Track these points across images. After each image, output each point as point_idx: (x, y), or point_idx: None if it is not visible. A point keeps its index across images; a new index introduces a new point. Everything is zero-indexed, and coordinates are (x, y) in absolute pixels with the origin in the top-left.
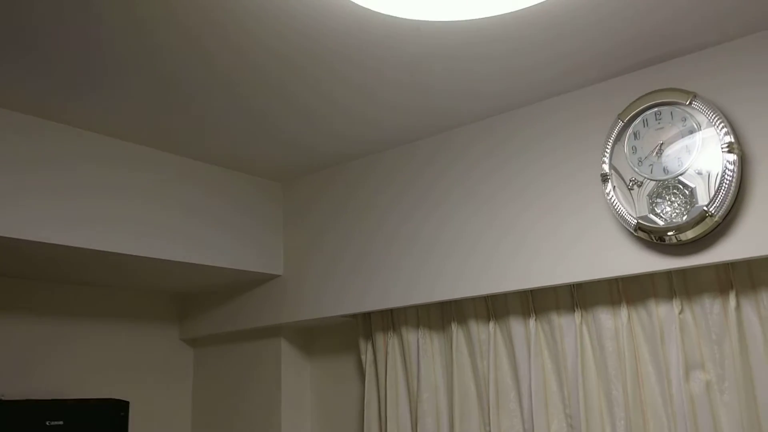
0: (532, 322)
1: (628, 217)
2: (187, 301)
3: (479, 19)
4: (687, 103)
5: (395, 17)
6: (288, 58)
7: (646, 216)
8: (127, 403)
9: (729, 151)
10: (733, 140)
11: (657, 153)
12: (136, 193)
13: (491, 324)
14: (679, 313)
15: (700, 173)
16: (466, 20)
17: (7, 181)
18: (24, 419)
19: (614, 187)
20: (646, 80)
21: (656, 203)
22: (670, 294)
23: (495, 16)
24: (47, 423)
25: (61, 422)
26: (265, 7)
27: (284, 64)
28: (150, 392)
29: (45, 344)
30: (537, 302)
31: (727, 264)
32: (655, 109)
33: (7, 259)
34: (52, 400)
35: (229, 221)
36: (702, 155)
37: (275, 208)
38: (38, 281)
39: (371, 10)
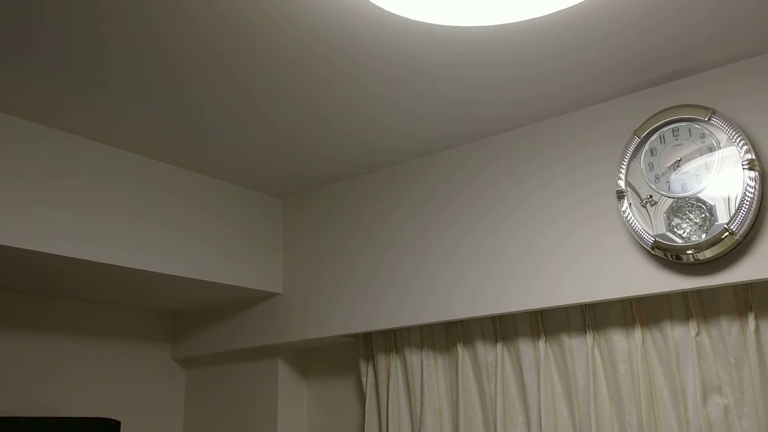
0: (541, 343)
1: (645, 235)
2: (180, 319)
3: (496, 26)
4: (706, 119)
5: (410, 20)
6: (296, 59)
7: (664, 234)
8: (119, 422)
9: (750, 168)
10: (753, 157)
11: (675, 169)
12: (130, 203)
13: (499, 346)
14: (696, 335)
15: (719, 191)
16: (481, 26)
17: (9, 189)
18: None
19: (630, 204)
20: (662, 97)
21: (674, 221)
22: (686, 315)
23: (511, 24)
24: None
25: None
26: (273, 3)
27: (293, 66)
28: (140, 414)
29: (32, 361)
30: (547, 323)
31: (746, 284)
32: (673, 126)
33: None
34: (39, 417)
35: (227, 235)
36: (721, 172)
37: (275, 224)
38: (27, 295)
39: (387, 12)
